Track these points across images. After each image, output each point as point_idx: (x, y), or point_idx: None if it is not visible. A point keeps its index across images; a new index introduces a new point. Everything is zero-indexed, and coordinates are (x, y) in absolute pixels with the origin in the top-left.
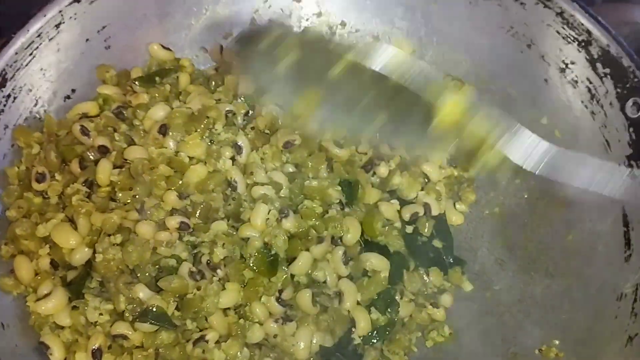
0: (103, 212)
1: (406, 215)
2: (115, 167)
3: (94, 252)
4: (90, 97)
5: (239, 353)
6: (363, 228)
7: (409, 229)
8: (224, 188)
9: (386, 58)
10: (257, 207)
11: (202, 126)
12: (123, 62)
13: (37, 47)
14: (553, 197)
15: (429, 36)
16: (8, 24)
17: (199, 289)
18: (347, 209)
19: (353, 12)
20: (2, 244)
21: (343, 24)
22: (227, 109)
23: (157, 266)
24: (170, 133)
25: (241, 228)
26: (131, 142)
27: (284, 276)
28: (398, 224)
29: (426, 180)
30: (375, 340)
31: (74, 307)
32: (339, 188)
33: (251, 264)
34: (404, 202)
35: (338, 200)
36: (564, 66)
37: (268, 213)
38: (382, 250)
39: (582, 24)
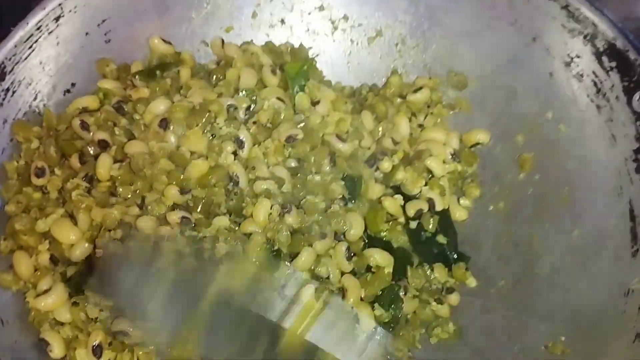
0: (103, 207)
1: (410, 212)
2: (115, 161)
3: (94, 247)
4: (90, 92)
5: None
6: (366, 223)
7: (413, 225)
8: (226, 183)
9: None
10: (259, 202)
11: (204, 120)
12: (123, 56)
13: (37, 41)
14: (558, 192)
15: (433, 30)
16: (7, 16)
17: None
18: (350, 204)
19: (355, 5)
20: (1, 239)
21: (345, 18)
22: (229, 103)
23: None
24: (171, 127)
25: (243, 223)
26: (131, 137)
27: (287, 272)
28: (402, 220)
29: (430, 176)
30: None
31: (74, 304)
32: (342, 183)
33: (254, 260)
34: (407, 198)
35: (341, 196)
36: (569, 60)
37: (270, 208)
38: (386, 245)
39: (588, 17)
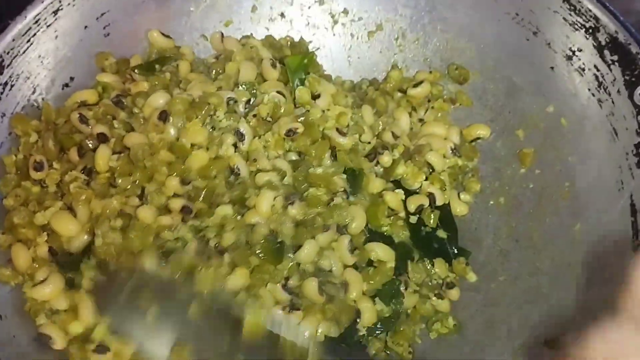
0: (103, 198)
1: (411, 207)
2: (114, 153)
3: (94, 235)
4: (89, 86)
5: None
6: (367, 218)
7: (413, 219)
8: (227, 175)
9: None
10: (262, 193)
11: (203, 113)
12: (122, 50)
13: (35, 34)
14: (559, 186)
15: (433, 24)
16: (5, 9)
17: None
18: (352, 198)
19: None
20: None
21: (345, 12)
22: (229, 96)
23: (161, 251)
24: (171, 119)
25: (247, 214)
26: (130, 130)
27: (290, 264)
28: (402, 214)
29: (430, 170)
30: (379, 332)
31: (70, 286)
32: (344, 176)
33: (257, 251)
34: (408, 192)
35: (343, 189)
36: (570, 53)
37: (274, 200)
38: (387, 240)
39: (590, 10)
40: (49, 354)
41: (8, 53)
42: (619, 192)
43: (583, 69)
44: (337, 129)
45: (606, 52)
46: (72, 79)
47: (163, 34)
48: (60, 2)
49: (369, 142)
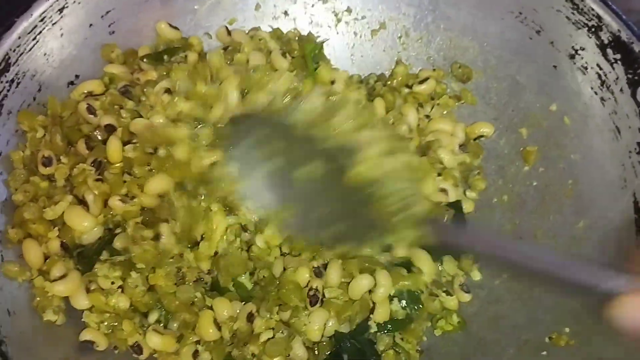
0: (117, 189)
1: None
2: (124, 143)
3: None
4: None
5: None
6: None
7: None
8: None
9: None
10: None
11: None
12: (127, 48)
13: (41, 32)
14: (562, 184)
15: (436, 22)
16: (11, 7)
17: None
18: None
19: None
20: (9, 227)
21: (349, 10)
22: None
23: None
24: (177, 85)
25: None
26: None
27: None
28: None
29: (442, 167)
30: (388, 331)
31: (91, 289)
32: None
33: None
34: None
35: None
36: (573, 52)
37: None
38: None
39: (593, 9)
40: (56, 350)
41: (14, 51)
42: (622, 190)
43: (586, 68)
44: None
45: (609, 50)
46: (77, 76)
47: (171, 26)
48: (65, 0)
49: None
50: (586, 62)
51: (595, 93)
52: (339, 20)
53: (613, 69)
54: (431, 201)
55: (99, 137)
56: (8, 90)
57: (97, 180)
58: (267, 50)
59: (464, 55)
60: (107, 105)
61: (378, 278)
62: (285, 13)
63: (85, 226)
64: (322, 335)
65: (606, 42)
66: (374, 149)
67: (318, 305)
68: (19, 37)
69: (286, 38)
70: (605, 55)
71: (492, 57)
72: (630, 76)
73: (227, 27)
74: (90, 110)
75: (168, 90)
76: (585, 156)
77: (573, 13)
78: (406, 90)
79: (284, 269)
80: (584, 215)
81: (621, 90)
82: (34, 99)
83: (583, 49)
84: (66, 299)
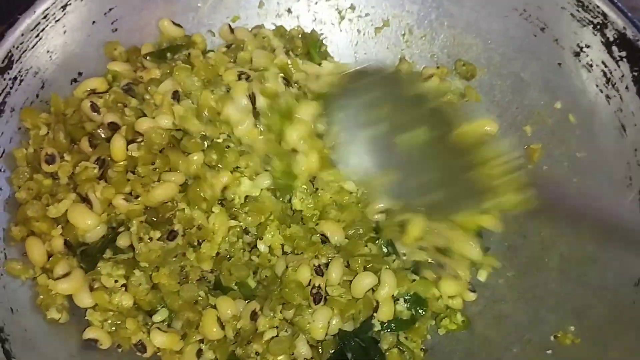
0: (121, 187)
1: None
2: (127, 142)
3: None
4: None
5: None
6: None
7: None
8: None
9: None
10: None
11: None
12: (129, 45)
13: (44, 29)
14: (567, 182)
15: (440, 20)
16: (14, 4)
17: None
18: None
19: None
20: (12, 225)
21: (352, 8)
22: (240, 70)
23: None
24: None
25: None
26: (142, 117)
27: None
28: None
29: None
30: (390, 329)
31: (94, 288)
32: None
33: None
34: None
35: None
36: (578, 50)
37: None
38: None
39: (598, 7)
40: (60, 349)
41: (17, 48)
42: (627, 188)
43: (591, 65)
44: None
45: (614, 48)
46: (80, 74)
47: (174, 23)
48: None
49: None
50: (591, 60)
51: (601, 91)
52: (342, 18)
53: (618, 66)
54: None
55: (103, 135)
56: (11, 88)
57: (100, 178)
58: (270, 48)
59: (468, 53)
60: (111, 103)
61: (383, 277)
62: (289, 10)
63: (89, 224)
64: (326, 334)
65: (611, 39)
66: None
67: (322, 303)
68: (22, 35)
69: (290, 36)
70: (610, 52)
71: (496, 55)
72: (635, 74)
73: (229, 25)
74: (94, 108)
75: (175, 93)
76: (590, 154)
77: (578, 10)
78: None
79: (286, 267)
80: (589, 213)
81: (627, 87)
82: (37, 96)
83: (588, 47)
84: (69, 297)
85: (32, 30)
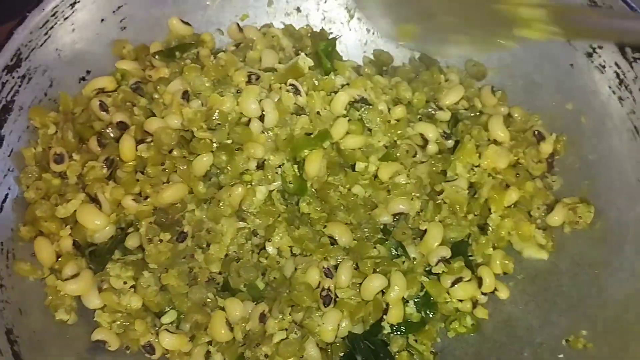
0: (130, 187)
1: None
2: (136, 142)
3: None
4: None
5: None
6: None
7: None
8: None
9: None
10: None
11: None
12: (138, 43)
13: (52, 27)
14: (578, 185)
15: None
16: (23, 2)
17: None
18: None
19: None
20: (21, 225)
21: None
22: (250, 70)
23: None
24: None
25: None
26: (151, 116)
27: None
28: None
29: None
30: (400, 332)
31: (103, 289)
32: None
33: None
34: None
35: None
36: (591, 51)
37: None
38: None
39: (611, 7)
40: (68, 350)
41: (26, 46)
42: (639, 192)
43: (603, 66)
44: None
45: (627, 49)
46: (88, 72)
47: (183, 21)
48: None
49: None
50: (604, 61)
51: (613, 92)
52: (351, 17)
53: (632, 67)
54: None
55: (112, 135)
56: (19, 86)
57: (109, 179)
58: (279, 47)
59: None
60: (119, 102)
61: (392, 279)
62: (298, 9)
63: (98, 225)
64: (336, 336)
65: None
66: None
67: (331, 305)
68: (31, 32)
69: (299, 35)
70: (624, 54)
71: (507, 55)
72: None
73: (238, 24)
74: (103, 107)
75: (185, 93)
76: (602, 156)
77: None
78: None
79: (295, 269)
80: (601, 216)
81: None
82: (45, 94)
83: (601, 48)
84: (78, 298)
85: (40, 28)
